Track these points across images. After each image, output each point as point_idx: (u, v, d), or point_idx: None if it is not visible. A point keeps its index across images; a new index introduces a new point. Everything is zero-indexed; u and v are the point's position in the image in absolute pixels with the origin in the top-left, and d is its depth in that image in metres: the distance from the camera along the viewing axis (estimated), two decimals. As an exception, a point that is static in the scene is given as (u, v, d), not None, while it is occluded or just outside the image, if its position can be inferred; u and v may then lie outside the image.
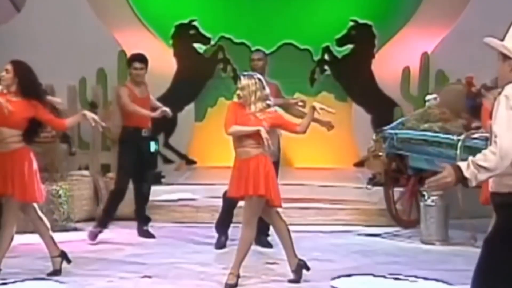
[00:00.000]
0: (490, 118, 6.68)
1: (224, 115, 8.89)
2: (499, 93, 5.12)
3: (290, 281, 8.78)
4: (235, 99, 8.94)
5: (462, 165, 4.90)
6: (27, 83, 8.76)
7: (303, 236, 10.75)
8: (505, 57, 5.23)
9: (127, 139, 11.31)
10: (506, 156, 4.83)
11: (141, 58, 11.35)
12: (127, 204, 12.38)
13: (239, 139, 8.66)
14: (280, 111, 9.20)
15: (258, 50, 11.88)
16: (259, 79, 8.79)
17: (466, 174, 4.85)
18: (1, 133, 8.63)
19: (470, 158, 4.91)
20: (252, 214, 8.65)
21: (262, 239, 10.33)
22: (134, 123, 11.16)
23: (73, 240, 10.79)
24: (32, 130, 8.82)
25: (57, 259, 9.00)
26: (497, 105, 5.04)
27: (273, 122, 8.74)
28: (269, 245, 10.42)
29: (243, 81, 8.77)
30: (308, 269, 8.87)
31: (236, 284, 8.56)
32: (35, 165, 8.84)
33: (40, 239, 9.01)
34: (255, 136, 8.55)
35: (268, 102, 8.73)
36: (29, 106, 8.68)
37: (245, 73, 9.09)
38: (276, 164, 9.48)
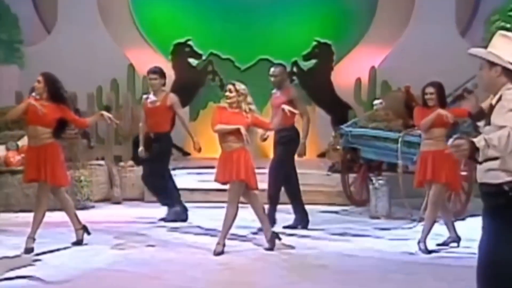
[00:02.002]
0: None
1: (211, 116, 8.96)
2: (499, 99, 4.70)
3: (266, 249, 8.82)
4: (222, 103, 9.02)
5: (476, 140, 4.54)
6: (55, 90, 8.80)
7: (277, 212, 10.81)
8: (491, 64, 4.80)
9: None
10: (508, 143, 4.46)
11: (154, 70, 10.82)
12: (137, 187, 12.54)
13: (223, 135, 8.68)
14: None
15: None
16: (245, 87, 8.86)
17: (478, 145, 4.50)
18: (36, 131, 8.69)
19: (484, 136, 4.57)
20: (234, 195, 8.68)
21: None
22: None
23: (92, 216, 10.83)
24: (59, 128, 8.90)
25: (79, 231, 9.03)
26: (501, 108, 4.65)
27: (254, 121, 8.77)
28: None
29: (238, 86, 8.79)
30: (280, 238, 8.94)
31: (223, 252, 8.57)
32: (62, 156, 8.96)
33: (66, 215, 9.08)
34: (236, 133, 8.58)
35: (251, 106, 8.79)
36: (57, 109, 8.72)
37: (236, 81, 9.01)
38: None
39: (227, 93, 8.81)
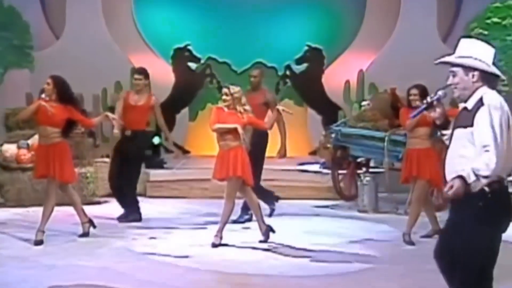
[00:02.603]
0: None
1: (210, 116, 8.96)
2: (478, 104, 4.51)
3: (261, 241, 8.84)
4: (220, 104, 9.03)
5: (465, 175, 4.32)
6: (64, 92, 8.81)
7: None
8: (467, 69, 4.64)
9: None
10: (499, 163, 4.31)
11: (139, 71, 10.65)
12: (140, 183, 12.52)
13: (221, 134, 8.71)
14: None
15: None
16: (239, 89, 8.87)
17: (469, 181, 4.31)
18: (46, 130, 8.71)
19: (470, 168, 4.33)
20: (231, 191, 8.70)
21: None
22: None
23: (97, 211, 10.84)
24: (68, 128, 8.93)
25: (85, 224, 9.06)
26: (482, 113, 4.44)
27: (250, 121, 8.79)
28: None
29: (232, 89, 8.81)
30: (274, 231, 8.97)
31: (220, 244, 8.59)
32: (70, 155, 8.95)
33: (73, 210, 9.10)
34: (233, 132, 8.62)
35: (246, 107, 8.80)
36: (65, 110, 8.74)
37: (230, 85, 9.01)
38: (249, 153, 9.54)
39: (223, 96, 8.83)
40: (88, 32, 15.90)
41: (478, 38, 4.80)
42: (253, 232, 9.26)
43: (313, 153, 15.31)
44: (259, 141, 9.80)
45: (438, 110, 5.04)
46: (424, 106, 5.09)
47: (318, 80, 16.48)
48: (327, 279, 7.22)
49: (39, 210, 9.50)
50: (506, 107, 4.50)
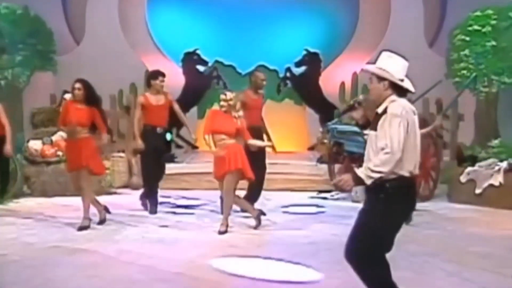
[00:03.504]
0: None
1: (205, 120, 9.09)
2: (384, 111, 4.69)
3: (254, 227, 8.88)
4: (217, 107, 8.96)
5: (359, 171, 4.66)
6: (91, 95, 8.90)
7: (275, 195, 10.84)
8: (379, 78, 4.80)
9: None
10: (391, 163, 4.57)
11: (164, 74, 10.51)
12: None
13: (217, 137, 8.72)
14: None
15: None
16: (233, 96, 8.88)
17: (361, 176, 4.62)
18: (74, 129, 8.77)
19: (367, 165, 4.64)
20: (232, 184, 8.67)
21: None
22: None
23: (114, 201, 10.87)
24: (94, 126, 8.95)
25: (102, 212, 9.13)
26: (384, 121, 4.65)
27: (242, 127, 8.79)
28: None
29: (228, 96, 8.83)
30: (264, 214, 9.03)
31: (226, 231, 8.62)
32: (97, 149, 9.00)
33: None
34: (229, 132, 8.67)
35: (240, 113, 8.77)
36: (90, 112, 8.81)
37: (227, 91, 9.13)
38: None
39: (221, 102, 8.83)
40: (106, 38, 15.96)
41: (396, 53, 4.90)
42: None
43: (312, 148, 15.32)
44: (256, 135, 9.81)
45: (358, 111, 5.24)
46: (346, 107, 5.28)
47: (315, 81, 16.50)
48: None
49: (62, 200, 9.59)
50: (410, 115, 4.71)
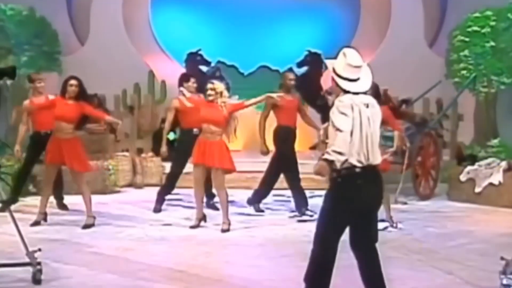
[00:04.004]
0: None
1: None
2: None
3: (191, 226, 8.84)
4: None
5: (325, 157, 4.74)
6: (83, 92, 8.95)
7: (277, 193, 10.86)
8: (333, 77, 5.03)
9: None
10: (346, 144, 4.71)
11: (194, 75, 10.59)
12: (157, 174, 12.57)
13: (208, 128, 8.67)
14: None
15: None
16: (221, 85, 8.91)
17: (330, 159, 4.72)
18: (61, 125, 8.75)
19: (329, 149, 4.76)
20: (222, 181, 8.67)
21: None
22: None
23: (118, 199, 10.88)
24: (80, 124, 9.00)
25: (91, 218, 8.86)
26: (330, 114, 4.90)
27: (230, 110, 8.67)
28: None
29: (215, 86, 8.78)
30: (205, 220, 8.99)
31: (229, 229, 8.60)
32: (82, 147, 8.96)
33: (90, 200, 8.95)
34: (220, 126, 8.62)
35: (224, 99, 8.69)
36: (78, 106, 8.80)
37: (214, 81, 9.08)
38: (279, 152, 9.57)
39: (209, 91, 8.75)
40: (110, 39, 15.97)
41: (357, 50, 5.08)
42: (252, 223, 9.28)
43: (313, 148, 15.28)
44: (286, 136, 9.84)
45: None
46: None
47: (317, 81, 16.45)
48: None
49: (67, 198, 9.59)
50: (355, 109, 4.85)
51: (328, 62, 5.08)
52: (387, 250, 7.55)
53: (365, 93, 4.99)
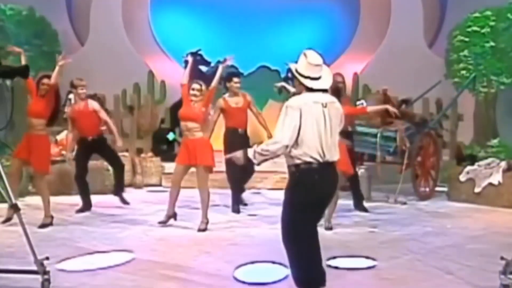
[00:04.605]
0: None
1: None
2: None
3: (160, 222, 8.92)
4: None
5: (249, 150, 5.11)
6: (56, 90, 9.06)
7: (278, 193, 10.79)
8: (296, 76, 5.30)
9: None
10: (280, 144, 4.99)
11: (238, 74, 10.60)
12: (156, 174, 12.54)
13: (187, 127, 8.80)
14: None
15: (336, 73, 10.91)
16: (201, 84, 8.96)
17: (250, 156, 5.09)
18: (32, 121, 8.81)
19: (255, 148, 5.08)
20: (205, 180, 8.77)
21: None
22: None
23: (118, 199, 10.87)
24: (51, 120, 9.03)
25: (48, 218, 8.92)
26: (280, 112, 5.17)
27: (204, 103, 8.83)
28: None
29: (203, 87, 8.92)
30: (175, 219, 9.06)
31: (206, 228, 8.69)
32: (48, 148, 9.03)
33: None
34: (198, 123, 8.75)
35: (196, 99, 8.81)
36: (48, 100, 8.93)
37: (199, 81, 9.15)
38: None
39: (196, 92, 8.83)
40: (110, 39, 15.96)
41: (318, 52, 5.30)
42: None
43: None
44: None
45: None
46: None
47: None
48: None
49: (67, 199, 9.58)
50: (309, 107, 5.07)
51: (291, 65, 5.31)
52: (387, 250, 7.59)
53: (326, 91, 5.24)
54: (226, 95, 10.20)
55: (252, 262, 6.96)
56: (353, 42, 16.82)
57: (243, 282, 6.30)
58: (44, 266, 5.56)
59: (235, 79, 10.20)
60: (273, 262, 6.76)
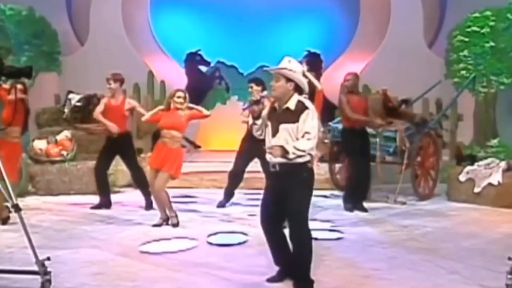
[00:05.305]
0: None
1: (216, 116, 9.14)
2: (305, 107, 5.64)
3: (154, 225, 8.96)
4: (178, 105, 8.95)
5: (287, 147, 5.54)
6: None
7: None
8: (288, 79, 5.71)
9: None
10: (313, 145, 5.61)
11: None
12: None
13: (168, 134, 8.92)
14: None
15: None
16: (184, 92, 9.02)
17: (289, 151, 5.54)
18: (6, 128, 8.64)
19: (294, 144, 5.56)
20: (164, 183, 8.82)
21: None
22: None
23: (118, 199, 10.89)
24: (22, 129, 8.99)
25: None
26: (307, 115, 5.62)
27: (190, 117, 8.93)
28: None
29: (186, 94, 8.97)
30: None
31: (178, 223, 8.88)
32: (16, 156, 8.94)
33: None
34: (179, 131, 8.87)
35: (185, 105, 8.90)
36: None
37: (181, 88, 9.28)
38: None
39: (180, 99, 8.88)
40: (109, 39, 16.00)
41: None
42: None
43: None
44: (351, 138, 10.14)
45: (260, 106, 6.99)
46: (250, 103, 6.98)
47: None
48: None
49: (66, 198, 9.57)
50: None
51: (283, 71, 5.76)
52: (387, 250, 7.59)
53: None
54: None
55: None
56: (353, 42, 16.84)
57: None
58: (45, 266, 5.55)
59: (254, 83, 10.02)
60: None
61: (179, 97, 8.90)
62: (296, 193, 5.65)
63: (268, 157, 5.69)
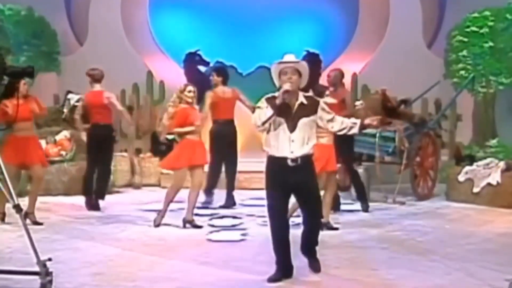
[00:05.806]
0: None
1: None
2: (315, 100, 6.18)
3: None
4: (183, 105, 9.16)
5: (357, 120, 6.36)
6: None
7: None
8: (300, 74, 6.07)
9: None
10: None
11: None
12: (155, 174, 12.54)
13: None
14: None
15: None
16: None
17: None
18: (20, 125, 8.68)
19: (353, 120, 6.37)
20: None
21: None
22: None
23: (117, 199, 10.90)
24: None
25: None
26: (322, 105, 6.16)
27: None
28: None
29: (192, 87, 9.23)
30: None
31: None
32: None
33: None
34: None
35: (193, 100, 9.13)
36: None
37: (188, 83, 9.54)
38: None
39: (192, 94, 9.07)
40: (109, 39, 15.97)
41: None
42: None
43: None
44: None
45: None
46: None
47: (316, 82, 16.43)
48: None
49: (66, 199, 9.57)
50: None
51: (300, 64, 6.20)
52: (387, 250, 7.61)
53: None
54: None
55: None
56: (352, 42, 16.82)
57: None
58: (46, 267, 5.56)
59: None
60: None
61: (190, 91, 9.08)
62: (312, 181, 6.11)
63: (289, 152, 5.89)
